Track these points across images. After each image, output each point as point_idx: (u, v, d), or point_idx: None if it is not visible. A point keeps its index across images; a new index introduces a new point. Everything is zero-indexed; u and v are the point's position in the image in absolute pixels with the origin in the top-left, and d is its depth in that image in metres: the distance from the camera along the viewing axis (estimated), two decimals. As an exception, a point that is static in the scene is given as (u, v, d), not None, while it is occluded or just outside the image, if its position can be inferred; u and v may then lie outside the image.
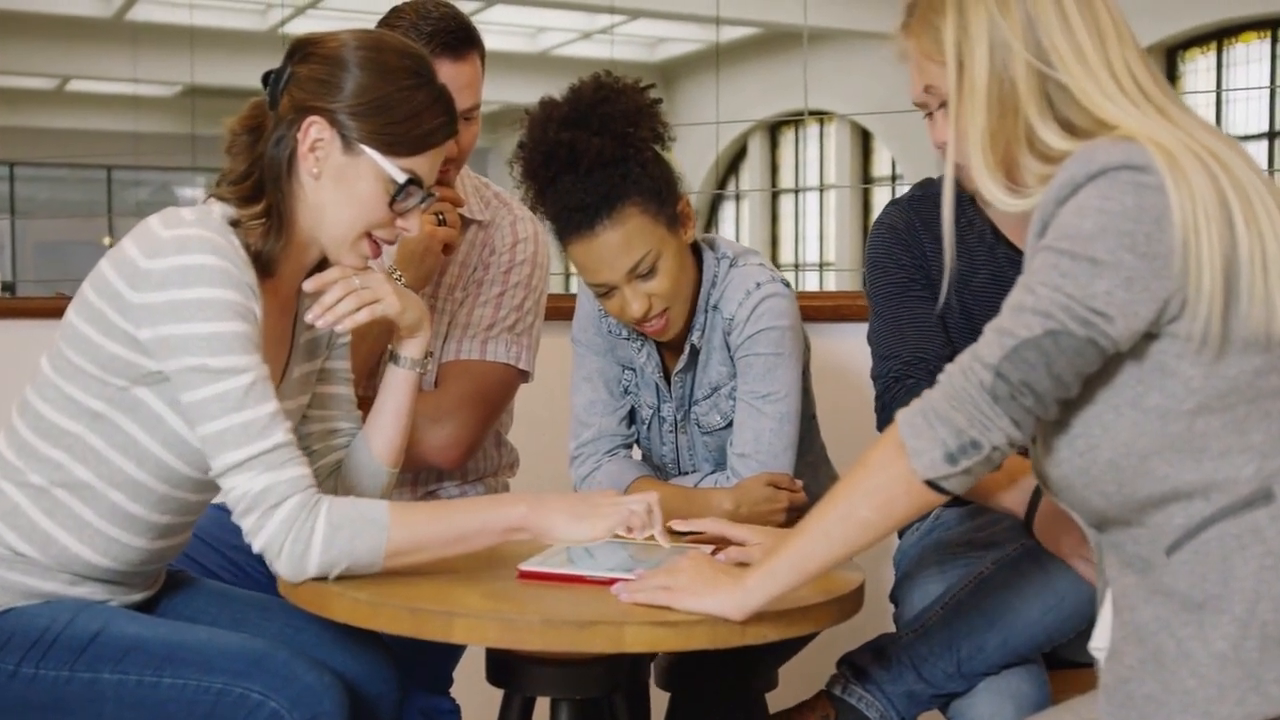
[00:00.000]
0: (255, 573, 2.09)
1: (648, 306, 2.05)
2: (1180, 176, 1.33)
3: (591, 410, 2.22)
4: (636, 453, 2.30)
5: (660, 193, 2.04)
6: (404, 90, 1.74)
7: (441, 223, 2.15)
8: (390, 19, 2.19)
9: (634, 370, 2.23)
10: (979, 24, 1.45)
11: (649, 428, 2.24)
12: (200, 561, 2.10)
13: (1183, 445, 1.36)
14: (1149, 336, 1.36)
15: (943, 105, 1.70)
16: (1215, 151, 1.36)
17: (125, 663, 1.69)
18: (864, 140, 7.97)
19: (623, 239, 2.01)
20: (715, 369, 2.16)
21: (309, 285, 1.81)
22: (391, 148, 1.74)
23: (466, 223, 2.28)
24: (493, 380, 2.23)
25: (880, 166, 8.09)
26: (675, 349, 2.18)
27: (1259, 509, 1.36)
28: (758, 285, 2.12)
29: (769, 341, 2.11)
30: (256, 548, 1.65)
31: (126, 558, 1.78)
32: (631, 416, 2.26)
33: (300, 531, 1.62)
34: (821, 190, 7.71)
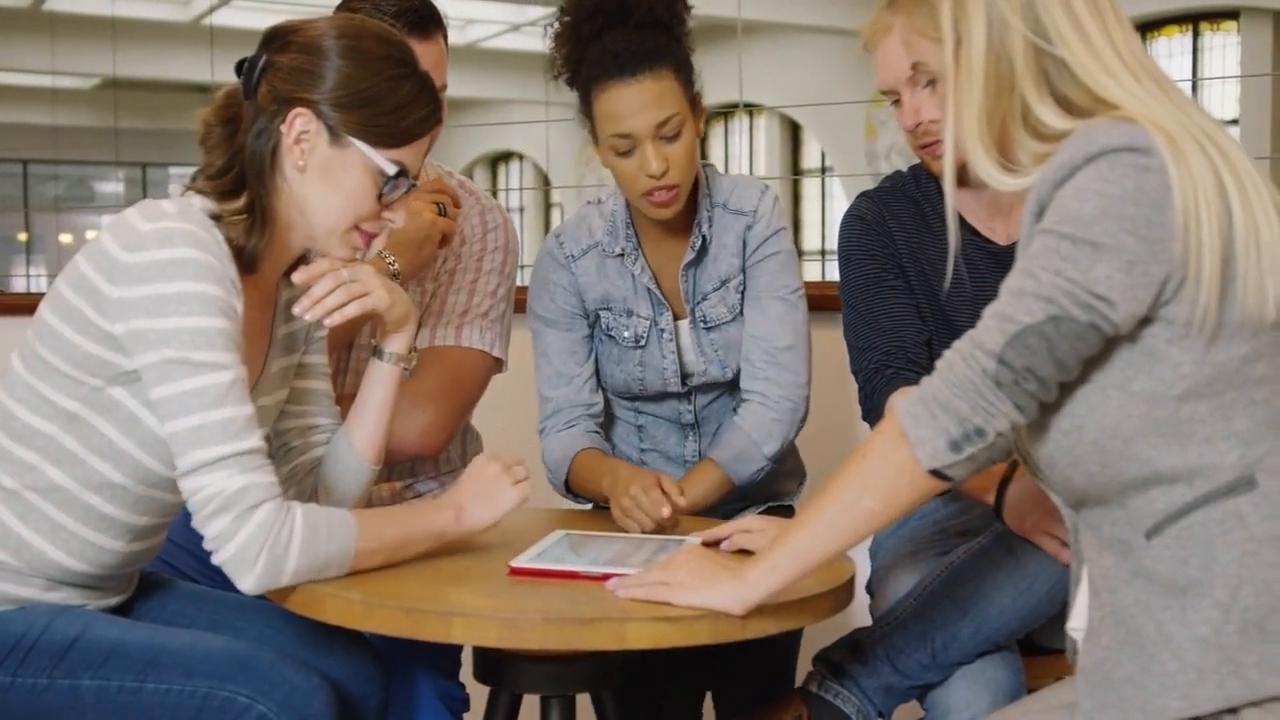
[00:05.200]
0: (230, 575, 2.05)
1: (665, 168, 2.10)
2: (1181, 160, 1.33)
3: (552, 383, 2.25)
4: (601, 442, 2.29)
5: (690, 73, 2.16)
6: (390, 81, 1.71)
7: (442, 213, 2.13)
8: (351, 1, 2.15)
9: (617, 302, 2.25)
10: (976, 0, 1.44)
11: (645, 347, 2.25)
12: (173, 564, 2.04)
13: (1168, 430, 1.37)
14: (1142, 321, 1.36)
15: (931, 83, 1.70)
16: (1211, 134, 1.37)
17: (106, 668, 1.64)
18: (794, 133, 8.03)
19: (659, 92, 2.09)
20: (727, 261, 2.23)
21: (298, 277, 1.77)
22: (379, 139, 1.71)
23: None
24: (469, 366, 2.21)
25: (810, 159, 8.16)
26: (665, 257, 2.25)
27: (1241, 495, 1.36)
28: (766, 187, 2.27)
29: (787, 239, 2.25)
30: (226, 553, 1.58)
31: (103, 561, 1.73)
32: (596, 384, 2.28)
33: (279, 536, 1.58)
34: (751, 182, 7.77)
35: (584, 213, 2.31)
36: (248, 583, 1.60)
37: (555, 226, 2.33)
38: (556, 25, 2.15)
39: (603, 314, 2.26)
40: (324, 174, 1.72)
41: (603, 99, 2.10)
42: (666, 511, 1.95)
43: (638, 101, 2.08)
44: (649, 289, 2.24)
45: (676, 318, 2.26)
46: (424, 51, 2.10)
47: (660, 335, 2.25)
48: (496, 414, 2.36)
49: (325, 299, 1.75)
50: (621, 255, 2.24)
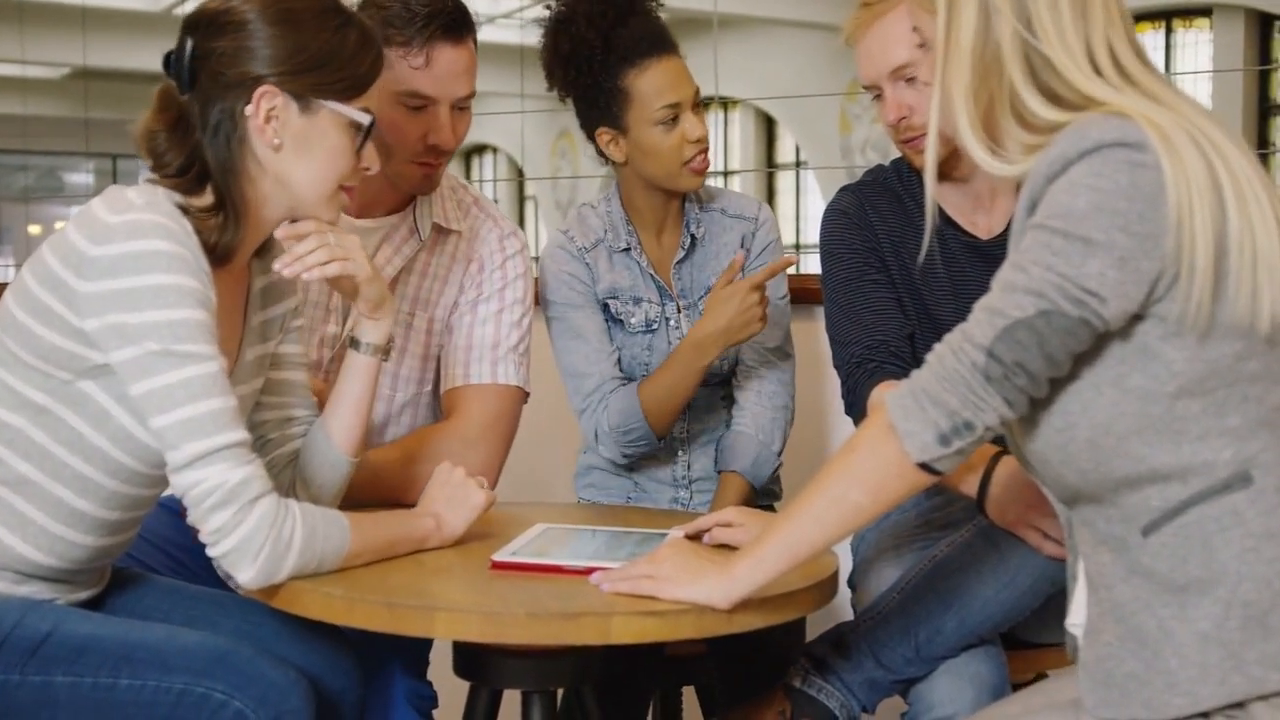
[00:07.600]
0: (203, 571, 2.02)
1: (704, 132, 2.28)
2: (1175, 155, 1.32)
3: (592, 359, 2.30)
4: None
5: None
6: (335, 34, 1.69)
7: None
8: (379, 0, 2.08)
9: (624, 291, 2.33)
10: None
11: (655, 332, 2.33)
12: (144, 560, 2.00)
13: (1162, 427, 1.36)
14: (1135, 317, 1.35)
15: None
16: (1209, 134, 1.35)
17: (79, 664, 1.61)
18: (768, 126, 8.04)
19: (686, 68, 2.30)
20: (729, 259, 2.32)
21: (280, 233, 1.75)
22: (343, 93, 1.70)
23: (443, 232, 2.21)
24: (508, 403, 2.17)
25: (784, 153, 8.16)
26: (660, 254, 2.36)
27: (1237, 492, 1.36)
28: (761, 202, 2.46)
29: (780, 248, 2.41)
30: (227, 545, 1.56)
31: (73, 556, 1.70)
32: (620, 361, 2.34)
33: (281, 531, 1.57)
34: (725, 175, 7.76)
35: (582, 214, 2.39)
36: (247, 575, 1.57)
37: (559, 225, 2.42)
38: (582, 21, 2.24)
39: (610, 303, 2.33)
40: (301, 145, 1.69)
41: (647, 76, 2.24)
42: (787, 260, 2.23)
43: (678, 74, 2.26)
44: (654, 278, 2.33)
45: (678, 309, 2.34)
46: (455, 56, 2.06)
47: (667, 322, 2.33)
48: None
49: (306, 256, 1.73)
50: (627, 249, 2.34)
